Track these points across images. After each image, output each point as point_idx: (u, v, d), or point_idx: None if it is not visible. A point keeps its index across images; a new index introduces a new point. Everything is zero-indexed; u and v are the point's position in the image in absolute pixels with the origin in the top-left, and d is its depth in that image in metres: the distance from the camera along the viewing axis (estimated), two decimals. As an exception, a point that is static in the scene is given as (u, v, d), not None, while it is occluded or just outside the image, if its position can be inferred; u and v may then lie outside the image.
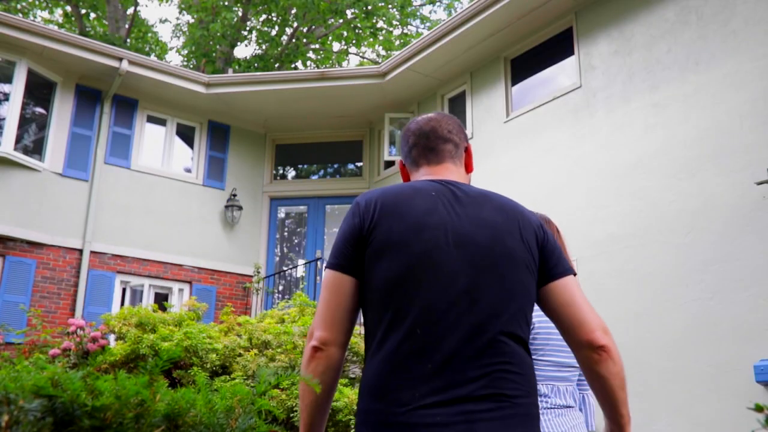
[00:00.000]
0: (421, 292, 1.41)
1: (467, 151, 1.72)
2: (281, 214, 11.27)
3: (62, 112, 9.08)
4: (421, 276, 1.42)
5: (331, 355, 1.46)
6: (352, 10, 16.46)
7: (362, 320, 1.55)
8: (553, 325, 1.92)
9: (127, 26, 17.72)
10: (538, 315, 2.00)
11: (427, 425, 1.32)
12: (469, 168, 1.72)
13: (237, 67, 16.55)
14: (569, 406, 2.04)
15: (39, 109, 9.06)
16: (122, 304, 9.05)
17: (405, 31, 19.31)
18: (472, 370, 1.37)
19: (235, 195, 10.22)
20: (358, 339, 5.60)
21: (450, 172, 1.65)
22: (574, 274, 1.55)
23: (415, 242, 1.44)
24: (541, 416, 1.92)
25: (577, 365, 2.03)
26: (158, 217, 9.60)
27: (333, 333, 1.46)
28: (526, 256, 1.49)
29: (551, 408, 1.99)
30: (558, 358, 2.03)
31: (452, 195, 1.53)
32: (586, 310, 1.49)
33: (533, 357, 1.98)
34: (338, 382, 1.52)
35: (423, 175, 1.66)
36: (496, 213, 1.51)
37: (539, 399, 1.96)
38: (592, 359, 1.45)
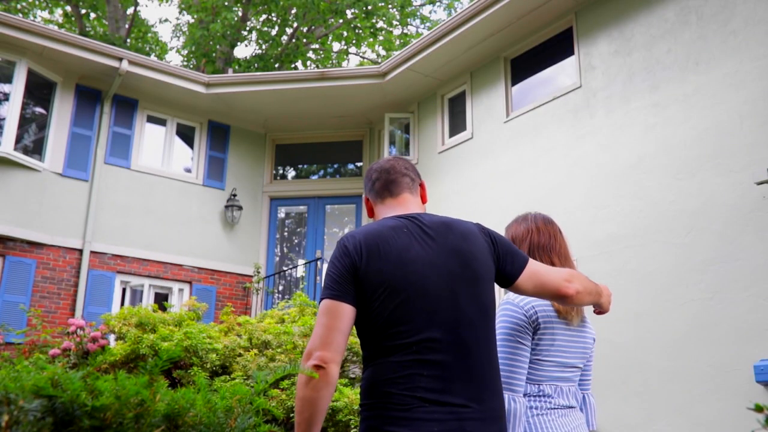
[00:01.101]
0: (415, 318, 1.68)
1: (422, 186, 2.04)
2: (281, 214, 11.26)
3: (62, 112, 9.08)
4: (412, 306, 1.69)
5: (330, 372, 1.64)
6: (352, 10, 16.45)
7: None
8: (556, 325, 2.02)
9: (127, 26, 17.71)
10: (543, 316, 2.02)
11: (426, 420, 1.60)
12: (423, 200, 2.03)
13: (237, 67, 16.54)
14: (571, 407, 2.04)
15: (39, 109, 9.06)
16: (122, 304, 9.05)
17: (405, 31, 19.30)
18: (459, 378, 1.67)
19: (235, 195, 10.22)
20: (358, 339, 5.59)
21: (409, 202, 1.95)
22: (528, 259, 1.89)
23: (402, 277, 1.71)
24: (544, 416, 1.97)
25: (580, 365, 2.12)
26: (158, 217, 9.60)
27: (332, 353, 1.66)
28: (488, 272, 1.81)
29: (554, 408, 1.99)
30: (561, 358, 2.04)
31: (420, 229, 1.81)
32: (550, 279, 1.87)
33: (538, 357, 2.00)
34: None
35: (388, 207, 1.95)
36: (459, 240, 1.81)
37: (543, 399, 1.99)
38: (572, 302, 1.90)
